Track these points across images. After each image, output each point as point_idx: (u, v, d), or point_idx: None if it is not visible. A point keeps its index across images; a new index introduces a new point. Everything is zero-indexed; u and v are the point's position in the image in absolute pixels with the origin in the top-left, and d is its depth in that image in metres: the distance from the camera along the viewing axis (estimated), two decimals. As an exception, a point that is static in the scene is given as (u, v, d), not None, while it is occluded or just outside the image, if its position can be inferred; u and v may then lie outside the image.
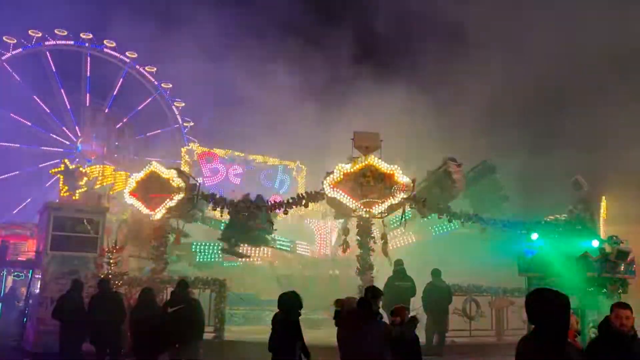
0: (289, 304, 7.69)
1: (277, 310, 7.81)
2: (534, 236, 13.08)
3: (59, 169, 22.99)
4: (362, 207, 14.13)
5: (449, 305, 14.17)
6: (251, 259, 20.31)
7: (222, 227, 16.89)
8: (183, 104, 36.89)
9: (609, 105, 25.85)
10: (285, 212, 15.24)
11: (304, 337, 7.70)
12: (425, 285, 13.91)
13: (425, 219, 16.40)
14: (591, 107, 26.99)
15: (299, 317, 7.71)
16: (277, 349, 7.54)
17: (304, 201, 14.89)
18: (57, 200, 16.93)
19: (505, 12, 32.12)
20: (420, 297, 13.74)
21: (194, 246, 20.32)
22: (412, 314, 8.88)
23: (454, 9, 33.12)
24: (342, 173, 14.35)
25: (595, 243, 12.47)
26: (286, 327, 7.56)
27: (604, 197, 16.93)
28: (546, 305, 3.93)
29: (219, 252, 18.76)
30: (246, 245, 17.78)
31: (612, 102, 25.98)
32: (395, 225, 16.69)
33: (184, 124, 36.91)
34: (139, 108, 36.10)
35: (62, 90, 34.28)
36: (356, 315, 7.12)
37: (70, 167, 18.09)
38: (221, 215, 16.00)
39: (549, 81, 29.15)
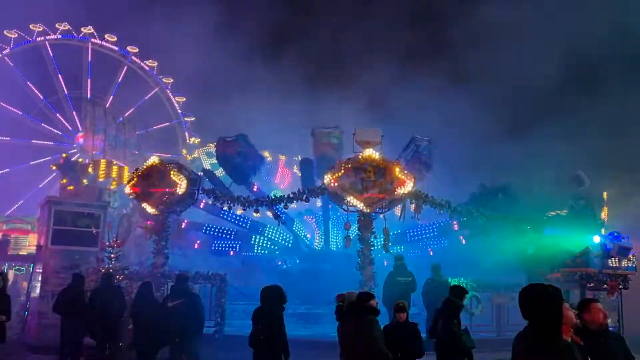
0: (272, 298, 7.45)
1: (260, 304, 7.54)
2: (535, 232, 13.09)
3: (60, 163, 23.05)
4: (363, 202, 14.11)
5: (449, 301, 14.16)
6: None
7: None
8: (184, 99, 36.84)
9: (614, 98, 25.84)
10: (286, 207, 15.22)
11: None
12: (426, 280, 13.91)
13: None
14: (595, 100, 26.97)
15: (282, 312, 7.48)
16: (259, 345, 7.31)
17: (304, 196, 14.89)
18: (58, 195, 16.94)
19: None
20: (421, 292, 13.75)
21: None
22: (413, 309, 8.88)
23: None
24: (343, 168, 14.33)
25: (597, 239, 12.47)
26: (269, 322, 7.35)
27: (605, 193, 16.88)
28: (536, 299, 3.90)
29: None
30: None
31: (618, 95, 25.95)
32: None
33: (185, 119, 36.86)
34: (140, 102, 36.05)
35: (63, 85, 34.24)
36: (356, 309, 7.08)
37: (68, 158, 18.16)
38: (221, 209, 15.96)
39: (552, 74, 29.10)
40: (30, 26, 32.41)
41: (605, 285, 12.01)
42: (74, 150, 30.99)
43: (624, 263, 12.17)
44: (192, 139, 35.44)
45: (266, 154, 28.96)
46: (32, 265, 17.79)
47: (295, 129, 28.60)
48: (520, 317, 3.92)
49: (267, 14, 44.21)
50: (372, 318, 6.83)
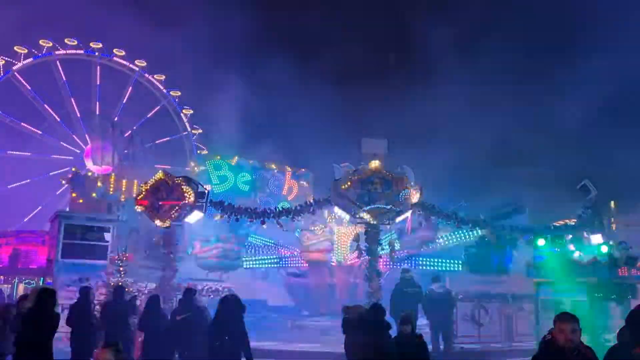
0: (232, 309, 7.19)
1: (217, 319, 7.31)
2: (541, 242, 13.07)
3: (69, 177, 23.26)
4: (369, 214, 14.15)
5: (452, 311, 14.14)
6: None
7: None
8: (191, 112, 37.06)
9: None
10: (293, 219, 15.27)
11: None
12: (425, 291, 13.88)
13: None
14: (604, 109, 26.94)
15: (243, 326, 7.18)
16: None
17: (311, 208, 14.93)
18: (68, 208, 17.10)
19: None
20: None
21: None
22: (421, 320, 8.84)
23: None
24: (349, 180, 14.37)
25: (604, 248, 12.43)
26: (231, 334, 7.07)
27: (612, 202, 16.84)
28: None
29: None
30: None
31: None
32: None
33: (193, 132, 37.06)
34: (148, 116, 36.33)
35: (72, 99, 34.59)
36: (366, 322, 7.09)
37: (78, 172, 18.33)
38: (228, 222, 16.00)
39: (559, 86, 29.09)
40: (40, 42, 32.84)
41: (614, 295, 11.94)
42: (82, 164, 31.21)
43: (632, 272, 12.11)
44: (200, 152, 35.66)
45: (273, 166, 29.14)
46: (42, 278, 17.92)
47: (303, 140, 28.77)
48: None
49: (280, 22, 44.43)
50: (388, 332, 6.87)
